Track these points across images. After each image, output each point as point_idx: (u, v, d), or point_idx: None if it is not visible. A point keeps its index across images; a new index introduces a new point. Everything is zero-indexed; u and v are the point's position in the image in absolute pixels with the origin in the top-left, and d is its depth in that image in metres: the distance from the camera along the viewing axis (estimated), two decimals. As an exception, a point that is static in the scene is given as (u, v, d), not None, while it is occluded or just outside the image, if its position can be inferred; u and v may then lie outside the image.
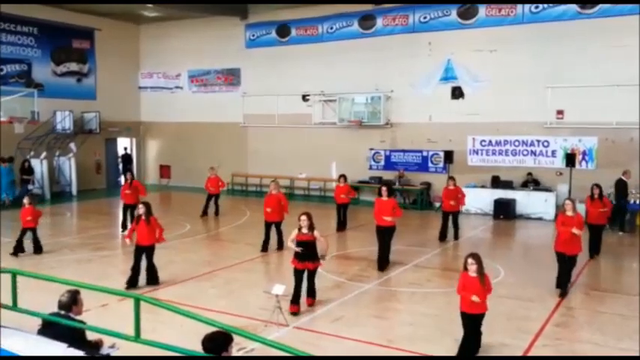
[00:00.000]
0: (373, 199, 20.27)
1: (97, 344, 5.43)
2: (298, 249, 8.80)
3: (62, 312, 5.30)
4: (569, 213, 9.88)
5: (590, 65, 17.87)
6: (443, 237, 14.62)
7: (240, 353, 6.81)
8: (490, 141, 19.42)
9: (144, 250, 10.17)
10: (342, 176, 16.31)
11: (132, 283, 10.07)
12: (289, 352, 4.19)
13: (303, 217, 8.90)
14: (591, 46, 17.98)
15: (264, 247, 13.23)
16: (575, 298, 9.90)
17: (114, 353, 5.48)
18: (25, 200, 12.88)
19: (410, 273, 11.49)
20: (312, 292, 9.13)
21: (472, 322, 6.98)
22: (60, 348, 4.24)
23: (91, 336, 5.38)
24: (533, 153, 18.90)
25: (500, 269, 11.51)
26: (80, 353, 4.24)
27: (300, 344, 6.89)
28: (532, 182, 18.72)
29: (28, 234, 12.70)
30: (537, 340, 7.84)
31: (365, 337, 7.79)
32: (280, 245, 13.23)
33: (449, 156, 19.61)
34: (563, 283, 9.90)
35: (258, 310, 8.65)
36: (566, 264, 9.87)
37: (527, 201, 18.26)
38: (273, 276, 11.01)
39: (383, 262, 11.63)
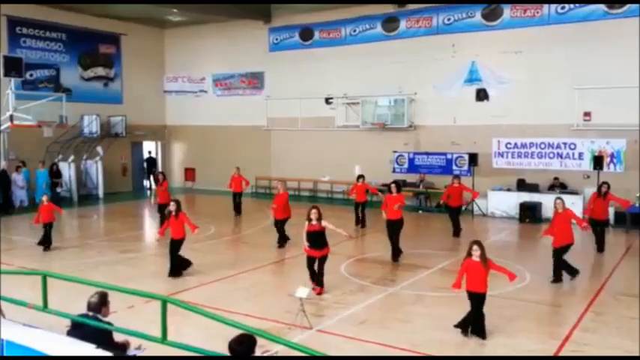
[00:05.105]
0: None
1: (124, 345, 5.51)
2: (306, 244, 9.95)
3: (90, 313, 5.39)
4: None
5: (619, 66, 17.54)
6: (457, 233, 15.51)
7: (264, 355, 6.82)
8: (516, 143, 19.13)
9: (175, 243, 11.16)
10: (361, 176, 17.18)
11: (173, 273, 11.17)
12: (311, 354, 4.19)
13: (314, 211, 9.82)
14: (619, 47, 17.66)
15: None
16: (604, 303, 9.72)
17: (140, 354, 5.56)
18: (44, 198, 13.88)
19: (436, 277, 11.39)
20: (320, 281, 9.93)
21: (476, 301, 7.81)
22: (88, 349, 4.31)
23: (118, 337, 5.46)
24: (560, 155, 18.54)
25: (527, 273, 11.35)
26: (108, 354, 4.31)
27: (324, 347, 6.90)
28: (559, 186, 18.46)
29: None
30: (565, 345, 7.71)
31: (390, 341, 7.73)
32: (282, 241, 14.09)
33: (474, 159, 19.39)
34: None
35: (282, 313, 8.68)
36: None
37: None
38: (297, 279, 11.01)
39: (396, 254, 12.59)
